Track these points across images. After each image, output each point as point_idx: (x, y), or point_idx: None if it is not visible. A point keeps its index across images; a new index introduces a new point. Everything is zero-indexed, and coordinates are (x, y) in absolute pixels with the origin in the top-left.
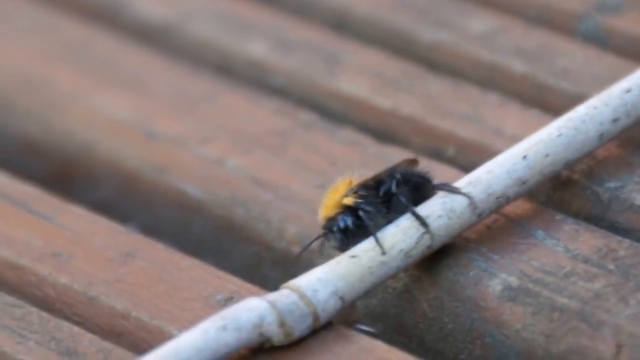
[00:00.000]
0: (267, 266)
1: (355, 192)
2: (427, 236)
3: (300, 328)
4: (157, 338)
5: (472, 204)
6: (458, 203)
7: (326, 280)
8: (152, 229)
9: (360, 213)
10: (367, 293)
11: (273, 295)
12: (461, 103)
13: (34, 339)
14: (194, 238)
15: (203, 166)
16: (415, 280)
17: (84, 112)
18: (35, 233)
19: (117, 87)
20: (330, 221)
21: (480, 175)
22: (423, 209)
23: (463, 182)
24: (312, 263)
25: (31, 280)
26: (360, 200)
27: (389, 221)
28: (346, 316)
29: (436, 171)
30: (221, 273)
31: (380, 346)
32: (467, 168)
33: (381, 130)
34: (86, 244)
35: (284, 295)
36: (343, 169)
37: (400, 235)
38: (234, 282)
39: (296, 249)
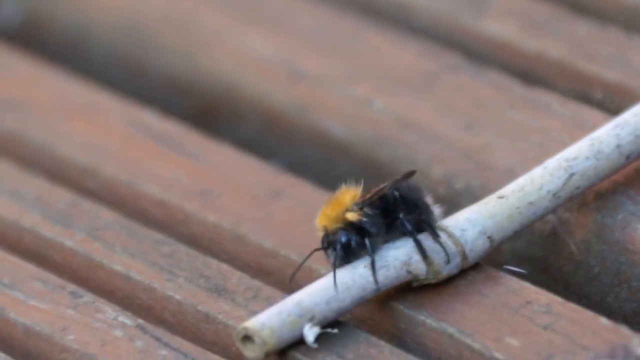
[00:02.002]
0: None
1: (360, 208)
2: (575, 177)
3: (448, 267)
4: (305, 276)
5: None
6: (606, 144)
7: (474, 219)
8: (296, 168)
9: (366, 239)
10: (515, 234)
11: (421, 235)
12: (607, 46)
13: (182, 276)
14: (337, 177)
15: (348, 106)
16: (562, 223)
17: (229, 50)
18: (182, 171)
19: (263, 25)
20: (331, 236)
21: (628, 117)
22: (570, 151)
23: (610, 125)
24: (457, 203)
25: (179, 217)
26: (365, 219)
27: (387, 241)
28: (493, 258)
29: (584, 115)
30: None
31: (528, 287)
32: (614, 111)
33: (527, 72)
34: (233, 181)
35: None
36: (490, 111)
37: (547, 177)
38: None
39: (442, 190)
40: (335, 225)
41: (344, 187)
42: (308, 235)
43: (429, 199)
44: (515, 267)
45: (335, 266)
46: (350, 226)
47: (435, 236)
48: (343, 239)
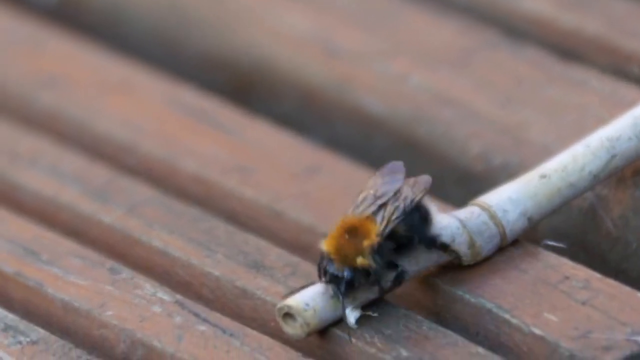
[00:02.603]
0: (450, 184)
1: (372, 250)
2: (617, 158)
3: (487, 248)
4: None
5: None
6: None
7: (517, 200)
8: (333, 144)
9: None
10: (553, 212)
11: (463, 213)
12: None
13: (221, 252)
14: (374, 154)
15: (385, 82)
16: (600, 199)
17: (266, 26)
18: (219, 147)
19: (301, 1)
20: (337, 271)
21: None
22: (613, 129)
23: None
24: (494, 180)
25: (216, 194)
26: (375, 266)
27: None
28: (530, 234)
29: (622, 91)
30: None
31: (566, 263)
32: None
33: (565, 48)
34: (271, 158)
35: (474, 214)
36: (527, 87)
37: (589, 156)
38: None
39: (480, 167)
40: (343, 262)
41: (357, 207)
42: (345, 211)
43: (431, 208)
44: (555, 242)
45: (343, 306)
46: (359, 269)
47: (445, 249)
48: (348, 278)
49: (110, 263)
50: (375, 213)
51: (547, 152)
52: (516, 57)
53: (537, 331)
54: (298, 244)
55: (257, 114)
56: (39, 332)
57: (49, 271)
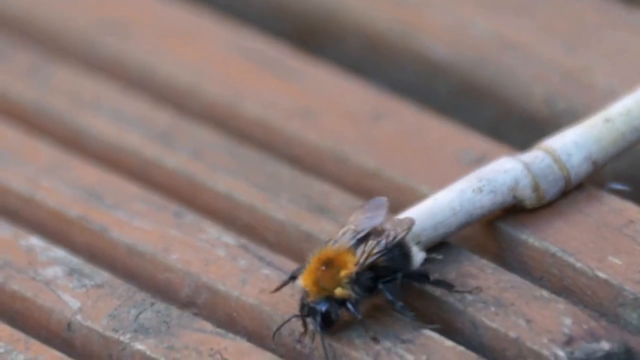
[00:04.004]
0: (514, 127)
1: (350, 282)
2: None
3: (552, 192)
4: (409, 197)
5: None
6: None
7: (581, 143)
8: (397, 89)
9: (349, 306)
10: (617, 156)
11: (527, 157)
12: None
13: (285, 196)
14: (438, 98)
15: (449, 27)
16: None
17: None
18: (283, 91)
19: None
20: (314, 304)
21: None
22: None
23: None
24: (558, 124)
25: (280, 138)
26: (354, 296)
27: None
28: (593, 178)
29: None
30: (470, 132)
31: (631, 207)
32: None
33: None
34: (335, 102)
35: (539, 158)
36: (591, 31)
37: None
38: (483, 142)
39: (543, 111)
40: (319, 294)
41: (339, 238)
42: (410, 155)
43: (412, 248)
44: (619, 185)
45: (322, 340)
46: (336, 300)
47: (426, 282)
48: (323, 309)
49: (174, 207)
50: (355, 246)
51: (611, 96)
52: (580, 0)
53: (602, 275)
54: (362, 188)
55: (322, 59)
56: (104, 276)
57: (113, 215)
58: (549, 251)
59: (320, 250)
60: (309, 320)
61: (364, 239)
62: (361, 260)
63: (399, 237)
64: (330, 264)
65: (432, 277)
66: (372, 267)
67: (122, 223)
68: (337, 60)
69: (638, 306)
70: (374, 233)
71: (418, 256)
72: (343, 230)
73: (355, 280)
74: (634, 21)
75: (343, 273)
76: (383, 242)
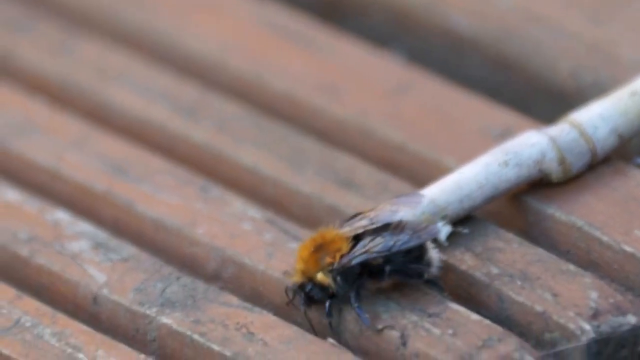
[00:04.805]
0: (540, 101)
1: (334, 270)
2: None
3: (578, 165)
4: (434, 171)
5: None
6: None
7: (607, 117)
8: (423, 62)
9: (327, 304)
10: None
11: (553, 130)
12: None
13: (311, 169)
14: (464, 72)
15: (475, 1)
16: None
17: None
18: (309, 64)
19: None
20: (300, 286)
21: None
22: None
23: None
24: (584, 97)
25: (306, 111)
26: (334, 286)
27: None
28: (619, 151)
29: None
30: (496, 106)
31: None
32: None
33: None
34: (361, 76)
35: (564, 131)
36: (617, 4)
37: None
38: (509, 115)
39: (570, 84)
40: (301, 275)
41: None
42: (436, 128)
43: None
44: None
45: (306, 316)
46: (317, 285)
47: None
48: (304, 290)
49: (200, 181)
50: (361, 236)
51: (637, 69)
52: None
53: (628, 248)
54: (388, 161)
55: (347, 32)
56: (130, 250)
57: (139, 189)
58: (576, 225)
59: (321, 231)
60: (297, 296)
61: (374, 232)
62: (354, 254)
63: (410, 245)
64: (321, 247)
65: (425, 276)
66: (364, 265)
67: (148, 197)
68: (362, 34)
69: None
70: (390, 228)
71: (443, 230)
72: (360, 215)
73: (340, 272)
74: None
75: (328, 260)
76: (390, 244)
